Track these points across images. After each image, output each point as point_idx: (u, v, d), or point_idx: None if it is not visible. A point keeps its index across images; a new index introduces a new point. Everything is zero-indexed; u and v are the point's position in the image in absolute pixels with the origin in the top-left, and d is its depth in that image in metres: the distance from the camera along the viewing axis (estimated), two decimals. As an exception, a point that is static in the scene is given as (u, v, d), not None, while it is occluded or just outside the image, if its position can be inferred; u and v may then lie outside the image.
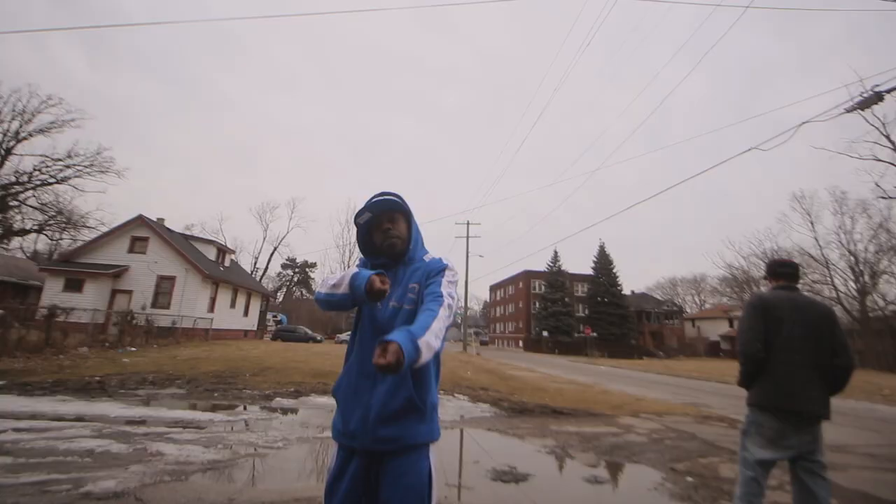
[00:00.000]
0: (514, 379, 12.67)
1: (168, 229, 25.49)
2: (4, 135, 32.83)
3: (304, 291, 67.11)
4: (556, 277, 54.27)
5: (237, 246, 47.64)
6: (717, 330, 56.39)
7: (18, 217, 35.55)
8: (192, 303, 22.01)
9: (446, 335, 1.33)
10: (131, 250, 22.98)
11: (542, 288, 56.57)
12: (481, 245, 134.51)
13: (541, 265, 57.87)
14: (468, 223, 35.92)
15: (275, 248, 57.24)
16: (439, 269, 1.52)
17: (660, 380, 17.21)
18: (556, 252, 55.63)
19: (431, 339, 1.21)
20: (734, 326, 55.71)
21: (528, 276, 59.72)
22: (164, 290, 22.37)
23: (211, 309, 23.77)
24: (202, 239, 28.88)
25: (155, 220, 24.72)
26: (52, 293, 20.64)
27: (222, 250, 29.42)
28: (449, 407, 7.58)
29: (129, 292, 21.98)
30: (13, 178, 33.31)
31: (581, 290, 57.43)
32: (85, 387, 7.16)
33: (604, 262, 53.02)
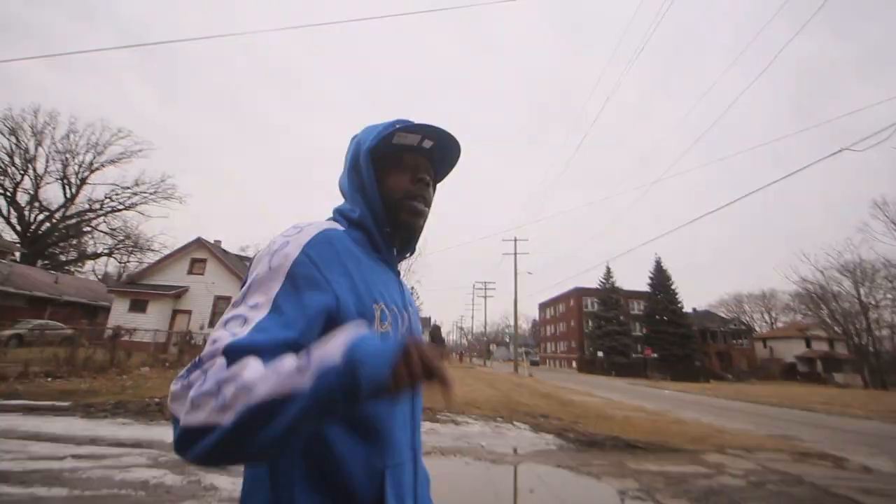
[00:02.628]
0: (574, 405, 11.83)
1: (224, 251, 26.62)
2: (80, 166, 35.95)
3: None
4: (609, 295, 52.10)
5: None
6: (792, 350, 51.95)
7: (91, 241, 38.65)
8: (247, 322, 22.60)
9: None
10: (190, 272, 24.10)
11: (595, 306, 54.43)
12: (530, 262, 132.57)
13: (592, 282, 55.92)
14: (515, 239, 35.27)
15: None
16: None
17: (734, 406, 15.66)
18: (608, 268, 53.64)
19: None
20: (812, 347, 51.11)
21: (580, 293, 57.74)
22: (220, 309, 23.20)
23: (265, 328, 24.38)
24: (257, 260, 29.94)
25: (212, 242, 25.87)
26: (119, 313, 21.88)
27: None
28: (509, 437, 7.02)
29: (189, 312, 22.95)
30: (87, 206, 36.30)
31: (637, 307, 54.77)
32: (144, 409, 7.20)
33: (661, 278, 50.43)
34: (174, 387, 0.60)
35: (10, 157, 32.35)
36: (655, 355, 41.19)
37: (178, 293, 23.14)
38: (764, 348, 56.24)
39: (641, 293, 53.91)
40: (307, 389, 0.51)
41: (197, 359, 0.62)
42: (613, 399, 15.20)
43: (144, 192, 37.66)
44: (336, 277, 0.72)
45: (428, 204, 0.93)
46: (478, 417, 8.59)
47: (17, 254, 29.51)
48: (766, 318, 69.64)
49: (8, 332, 16.97)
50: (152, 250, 38.22)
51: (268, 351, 0.59)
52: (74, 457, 4.41)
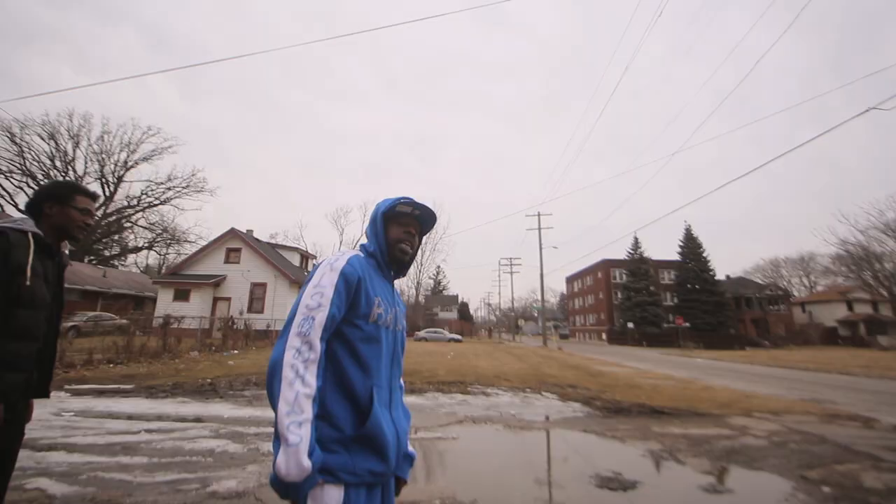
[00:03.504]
0: (604, 375, 12.07)
1: (256, 240, 27.57)
2: (115, 165, 37.50)
3: (380, 291, 69.69)
4: (637, 265, 51.29)
5: (317, 251, 50.65)
6: (833, 314, 50.27)
7: (132, 236, 40.58)
8: (282, 307, 23.63)
9: None
10: (227, 261, 25.16)
11: (623, 277, 53.77)
12: (554, 236, 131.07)
13: (620, 253, 55.14)
14: (539, 214, 35.06)
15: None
16: None
17: (769, 373, 15.56)
18: (636, 238, 52.64)
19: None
20: (854, 310, 49.30)
21: (607, 265, 57.12)
22: (257, 295, 24.25)
23: (300, 312, 25.38)
24: (287, 247, 30.97)
25: (245, 231, 26.82)
26: (165, 303, 23.19)
27: (305, 256, 31.34)
28: (538, 406, 7.35)
29: (228, 299, 24.08)
30: (125, 203, 37.99)
31: (667, 277, 53.86)
32: (199, 389, 7.86)
33: (691, 245, 49.24)
34: None
35: (52, 160, 34.08)
36: (688, 324, 40.51)
37: (217, 281, 24.27)
38: (803, 313, 54.56)
39: (671, 262, 52.85)
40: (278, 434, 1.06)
41: None
42: (643, 369, 15.35)
43: (177, 187, 39.15)
44: (363, 275, 1.31)
45: (413, 247, 1.47)
46: (507, 389, 8.95)
47: (67, 251, 31.33)
48: (805, 282, 67.21)
49: (67, 325, 18.32)
50: (189, 242, 39.89)
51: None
52: (147, 431, 4.97)
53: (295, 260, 29.21)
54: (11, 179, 32.18)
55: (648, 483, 3.84)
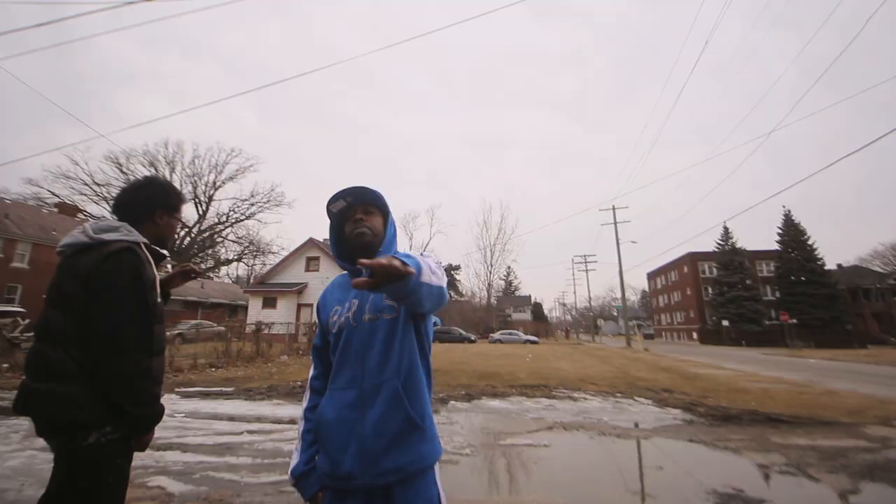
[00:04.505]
0: (701, 378, 11.06)
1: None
2: (206, 186, 41.27)
3: (451, 294, 70.29)
4: (729, 257, 46.97)
5: (391, 257, 51.52)
6: (976, 306, 42.77)
7: (223, 250, 44.40)
8: (361, 312, 24.48)
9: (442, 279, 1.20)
10: (307, 269, 26.65)
11: (714, 271, 49.53)
12: (631, 230, 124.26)
13: (706, 245, 51.01)
14: (614, 208, 33.39)
15: (420, 255, 61.65)
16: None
17: (901, 375, 13.43)
18: (726, 228, 48.34)
19: (430, 263, 1.17)
20: None
21: (693, 258, 53.01)
22: (337, 301, 25.38)
23: (375, 316, 26.21)
24: (363, 254, 32.14)
25: (322, 240, 28.24)
26: (255, 310, 24.98)
27: (380, 262, 32.39)
28: (632, 412, 6.83)
29: (310, 305, 25.42)
30: (216, 220, 41.63)
31: (765, 269, 48.91)
32: (292, 391, 8.24)
33: (793, 233, 44.29)
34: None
35: (152, 185, 38.35)
36: (793, 321, 36.29)
37: (300, 289, 25.75)
38: (938, 305, 47.02)
39: (769, 252, 47.84)
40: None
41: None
42: (746, 371, 13.89)
43: (259, 202, 42.28)
44: (321, 301, 1.45)
45: (371, 225, 1.39)
46: (595, 393, 8.46)
47: (170, 266, 35.00)
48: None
49: (173, 332, 20.35)
50: (272, 252, 42.86)
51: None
52: (248, 432, 5.24)
53: (370, 266, 30.32)
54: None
55: (779, 502, 3.35)
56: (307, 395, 1.41)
